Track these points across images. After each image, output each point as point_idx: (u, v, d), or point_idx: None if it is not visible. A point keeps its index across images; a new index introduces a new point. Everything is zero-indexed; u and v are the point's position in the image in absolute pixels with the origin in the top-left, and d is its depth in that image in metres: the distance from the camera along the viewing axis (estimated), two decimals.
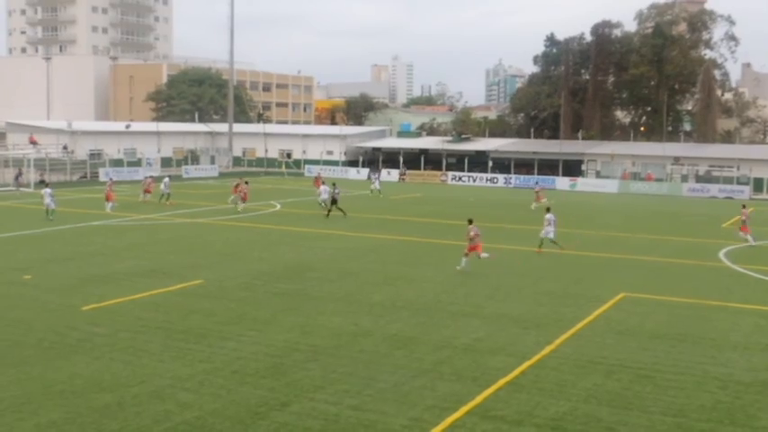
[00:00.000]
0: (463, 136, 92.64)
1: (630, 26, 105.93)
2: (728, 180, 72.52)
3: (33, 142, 73.72)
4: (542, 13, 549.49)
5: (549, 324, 20.43)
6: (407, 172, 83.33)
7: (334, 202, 44.81)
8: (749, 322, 21.41)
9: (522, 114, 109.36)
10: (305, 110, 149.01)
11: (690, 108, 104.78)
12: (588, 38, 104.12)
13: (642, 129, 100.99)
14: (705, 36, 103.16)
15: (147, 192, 51.20)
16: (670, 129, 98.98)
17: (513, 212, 48.86)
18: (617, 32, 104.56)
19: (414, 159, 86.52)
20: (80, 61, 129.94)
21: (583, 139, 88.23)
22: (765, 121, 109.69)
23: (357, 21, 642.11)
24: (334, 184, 46.92)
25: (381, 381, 15.54)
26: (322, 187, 48.85)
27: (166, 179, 51.62)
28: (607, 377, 16.14)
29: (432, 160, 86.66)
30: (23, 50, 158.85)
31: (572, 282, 26.64)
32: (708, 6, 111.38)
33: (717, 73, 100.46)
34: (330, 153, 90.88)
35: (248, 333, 18.95)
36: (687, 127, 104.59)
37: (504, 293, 24.44)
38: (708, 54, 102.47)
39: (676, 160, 76.09)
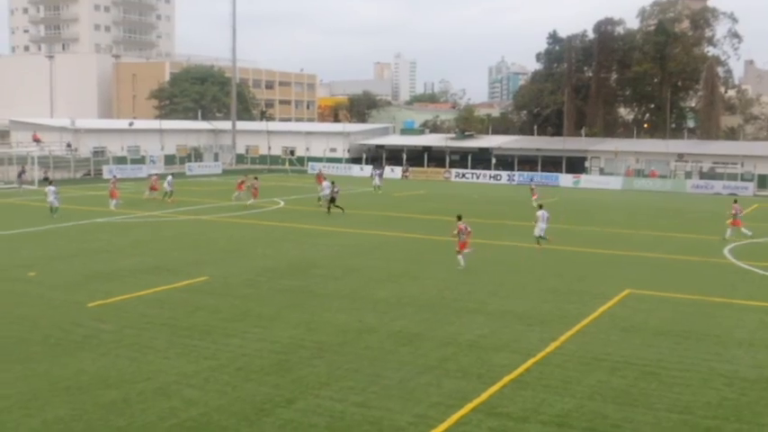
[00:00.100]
0: (466, 133, 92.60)
1: (633, 23, 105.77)
2: (732, 177, 72.44)
3: (37, 140, 73.82)
4: (545, 11, 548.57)
5: (553, 321, 20.43)
6: (411, 169, 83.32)
7: (332, 200, 44.89)
8: (754, 319, 21.38)
9: (525, 111, 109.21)
10: (308, 107, 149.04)
11: (693, 105, 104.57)
12: (591, 35, 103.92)
13: (645, 126, 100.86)
14: (708, 33, 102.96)
15: (152, 189, 51.29)
16: (673, 126, 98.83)
17: (516, 209, 48.81)
18: (620, 30, 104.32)
19: (417, 156, 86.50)
20: (83, 59, 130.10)
21: (586, 136, 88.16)
22: None
23: (360, 18, 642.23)
24: (332, 183, 46.96)
25: (386, 377, 15.55)
26: (324, 183, 48.89)
27: (169, 177, 51.70)
28: (612, 374, 16.13)
29: (435, 157, 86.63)
30: (26, 49, 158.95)
31: (576, 278, 26.63)
32: (710, 4, 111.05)
33: (720, 70, 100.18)
34: (333, 150, 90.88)
35: (253, 330, 18.97)
36: (690, 124, 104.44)
37: (508, 290, 24.44)
38: (711, 51, 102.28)
39: (680, 157, 76.00)
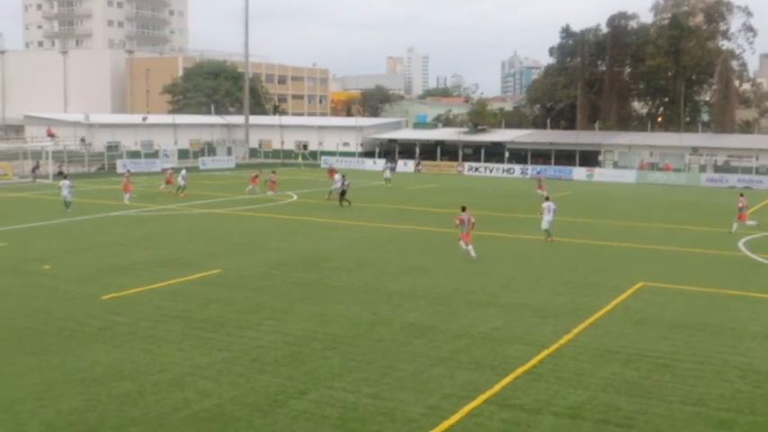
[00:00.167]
0: (479, 127, 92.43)
1: (647, 17, 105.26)
2: (747, 170, 72.07)
3: (51, 135, 74.15)
4: (558, 5, 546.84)
5: (567, 313, 20.39)
6: (423, 162, 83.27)
7: (343, 193, 45.01)
8: None
9: (538, 105, 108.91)
10: (321, 102, 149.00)
11: (707, 99, 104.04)
12: (604, 29, 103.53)
13: (659, 119, 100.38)
14: (722, 27, 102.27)
15: (168, 183, 51.48)
16: (688, 119, 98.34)
17: (529, 203, 48.59)
18: (633, 24, 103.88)
19: (430, 150, 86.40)
20: (96, 55, 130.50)
21: (599, 129, 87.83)
22: None
23: (373, 13, 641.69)
24: (343, 176, 47.04)
25: (399, 369, 15.57)
26: (336, 176, 48.91)
27: (183, 171, 51.84)
28: (625, 366, 16.09)
29: (448, 151, 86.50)
30: (40, 44, 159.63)
31: (590, 271, 26.57)
32: None
33: (734, 63, 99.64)
34: (346, 144, 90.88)
35: (267, 322, 19.02)
36: (705, 117, 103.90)
37: (521, 283, 24.40)
38: (725, 45, 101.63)
39: (695, 150, 75.64)
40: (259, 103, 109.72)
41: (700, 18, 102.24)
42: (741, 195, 38.52)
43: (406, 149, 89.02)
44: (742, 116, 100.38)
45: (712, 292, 23.48)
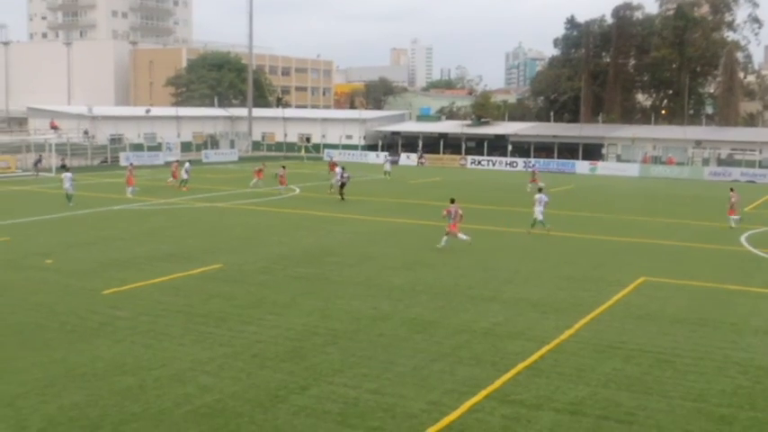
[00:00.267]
0: (483, 120, 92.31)
1: (652, 8, 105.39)
2: (751, 164, 71.90)
3: (54, 127, 74.23)
4: None
5: (568, 308, 20.39)
6: (426, 156, 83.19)
7: (342, 185, 44.90)
8: None
9: (541, 98, 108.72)
10: (324, 94, 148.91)
11: (712, 91, 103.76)
12: (609, 20, 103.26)
13: (663, 112, 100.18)
14: (728, 18, 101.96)
15: (174, 176, 51.41)
16: (692, 112, 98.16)
17: (531, 196, 48.59)
18: (638, 15, 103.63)
19: (433, 143, 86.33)
20: (100, 46, 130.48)
21: (603, 122, 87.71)
22: None
23: (376, 4, 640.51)
24: (343, 168, 46.97)
25: (400, 364, 15.59)
26: (337, 169, 48.79)
27: (187, 164, 51.81)
28: (626, 362, 16.10)
29: (451, 144, 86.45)
30: (44, 36, 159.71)
31: (592, 266, 26.56)
32: None
33: (739, 55, 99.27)
34: (349, 137, 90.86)
35: (268, 317, 19.04)
36: (709, 110, 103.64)
37: (523, 278, 24.40)
38: (730, 36, 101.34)
39: (698, 144, 75.50)
40: (262, 95, 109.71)
41: (705, 9, 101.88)
42: (732, 190, 38.48)
43: (410, 142, 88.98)
44: (746, 109, 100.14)
45: (714, 288, 23.46)
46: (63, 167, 51.29)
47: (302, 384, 14.42)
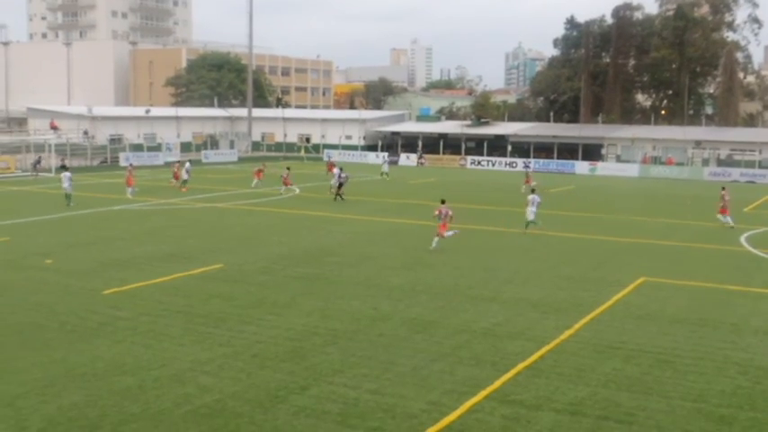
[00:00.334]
0: (482, 120, 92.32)
1: (652, 8, 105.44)
2: (750, 164, 71.87)
3: (54, 127, 74.22)
4: None
5: (568, 309, 20.39)
6: (426, 156, 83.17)
7: (339, 186, 44.83)
8: None
9: (541, 98, 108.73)
10: (324, 94, 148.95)
11: (711, 91, 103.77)
12: (609, 20, 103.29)
13: (663, 112, 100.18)
14: (728, 18, 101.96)
15: (176, 177, 51.31)
16: (691, 112, 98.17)
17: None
18: (638, 15, 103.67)
19: (433, 144, 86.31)
20: (100, 47, 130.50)
21: (603, 122, 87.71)
22: None
23: (376, 4, 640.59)
24: (341, 169, 46.94)
25: (400, 365, 15.58)
26: (335, 170, 48.71)
27: (187, 164, 51.78)
28: (626, 362, 16.10)
29: (451, 144, 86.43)
30: (44, 36, 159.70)
31: (592, 266, 26.56)
32: None
33: (739, 55, 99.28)
34: (349, 138, 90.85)
35: (268, 317, 19.04)
36: (709, 110, 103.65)
37: (522, 278, 24.40)
38: (730, 36, 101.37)
39: (698, 144, 75.49)
40: (262, 96, 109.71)
41: (705, 9, 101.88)
42: (723, 189, 38.65)
43: (409, 143, 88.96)
44: (746, 109, 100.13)
45: (714, 288, 23.46)
46: (63, 168, 51.24)
47: (302, 384, 14.41)
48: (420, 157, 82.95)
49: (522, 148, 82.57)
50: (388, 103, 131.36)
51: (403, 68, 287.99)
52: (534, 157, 79.54)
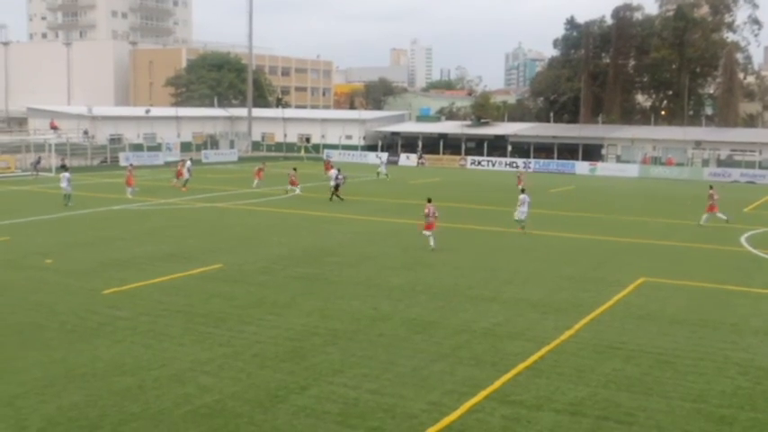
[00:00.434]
0: (482, 120, 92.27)
1: (652, 9, 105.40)
2: (750, 164, 71.85)
3: (54, 127, 74.18)
4: None
5: (568, 309, 20.38)
6: (426, 156, 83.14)
7: (336, 187, 44.74)
8: None
9: (541, 98, 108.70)
10: (324, 94, 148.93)
11: (711, 92, 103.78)
12: (609, 21, 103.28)
13: (663, 113, 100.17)
14: (728, 19, 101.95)
15: (179, 176, 51.27)
16: (691, 113, 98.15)
17: (531, 197, 48.61)
18: (638, 15, 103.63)
19: (433, 144, 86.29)
20: (100, 47, 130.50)
21: (603, 123, 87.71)
22: None
23: (376, 4, 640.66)
24: (339, 170, 46.89)
25: (400, 365, 15.57)
26: (332, 171, 48.55)
27: (188, 163, 51.77)
28: (626, 362, 16.09)
29: (451, 145, 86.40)
30: (44, 36, 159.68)
31: (592, 266, 26.56)
32: None
33: (739, 56, 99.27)
34: (349, 138, 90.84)
35: (268, 317, 19.03)
36: (709, 111, 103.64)
37: (523, 278, 24.39)
38: (730, 37, 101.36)
39: (698, 144, 75.48)
40: (262, 96, 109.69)
41: (705, 9, 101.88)
42: (711, 188, 38.94)
43: (409, 143, 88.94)
44: (746, 109, 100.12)
45: (714, 288, 23.45)
46: (62, 167, 51.24)
47: (302, 384, 14.41)
48: (420, 158, 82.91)
49: (522, 149, 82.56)
50: (388, 104, 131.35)
51: (403, 69, 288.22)
52: (534, 158, 79.55)
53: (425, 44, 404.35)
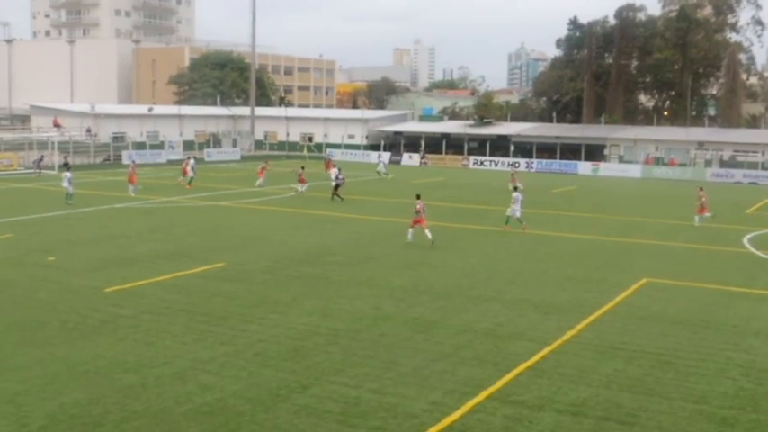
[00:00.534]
0: (485, 120, 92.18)
1: (655, 9, 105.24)
2: (753, 165, 71.75)
3: (57, 125, 74.20)
4: None
5: (570, 309, 20.37)
6: (428, 156, 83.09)
7: (336, 186, 44.69)
8: None
9: (544, 98, 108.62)
10: (326, 93, 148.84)
11: (714, 92, 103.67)
12: (612, 21, 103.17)
13: (666, 113, 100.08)
14: (731, 19, 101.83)
15: (185, 174, 51.20)
16: (694, 113, 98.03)
17: (533, 197, 48.55)
18: (641, 16, 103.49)
19: (435, 144, 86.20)
20: (103, 45, 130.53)
21: (605, 123, 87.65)
22: None
23: (379, 4, 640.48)
24: (339, 169, 46.85)
25: (402, 364, 15.57)
26: (332, 170, 48.50)
27: (192, 161, 51.77)
28: (628, 363, 16.08)
29: (453, 144, 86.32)
30: (47, 34, 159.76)
31: (594, 267, 26.54)
32: None
33: (742, 57, 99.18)
34: (352, 137, 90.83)
35: (270, 316, 19.04)
36: (711, 111, 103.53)
37: (525, 278, 24.38)
38: (733, 38, 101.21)
39: (700, 145, 75.41)
40: (265, 95, 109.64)
41: (708, 10, 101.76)
42: (701, 189, 39.40)
43: (412, 142, 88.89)
44: (749, 110, 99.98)
45: (716, 289, 23.43)
46: (65, 166, 51.25)
47: (303, 383, 14.41)
48: (423, 157, 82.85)
49: (525, 149, 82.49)
50: (391, 103, 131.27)
51: (406, 68, 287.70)
52: (537, 158, 79.51)
53: (428, 44, 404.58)
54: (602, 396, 14.17)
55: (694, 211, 38.34)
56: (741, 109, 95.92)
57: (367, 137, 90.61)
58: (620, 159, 78.54)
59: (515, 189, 36.10)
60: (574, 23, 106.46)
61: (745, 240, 33.17)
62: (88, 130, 75.74)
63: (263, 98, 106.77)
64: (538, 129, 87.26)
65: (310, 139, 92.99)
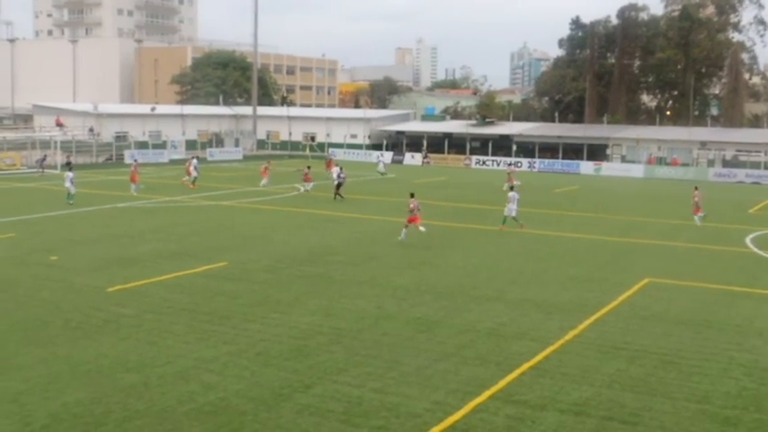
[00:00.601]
0: (487, 120, 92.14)
1: (657, 9, 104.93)
2: (756, 165, 71.66)
3: (60, 124, 74.24)
4: None
5: (572, 309, 20.36)
6: (430, 155, 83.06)
7: (338, 186, 44.69)
8: None
9: (546, 98, 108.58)
10: (329, 93, 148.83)
11: (717, 92, 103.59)
12: (614, 21, 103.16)
13: (668, 113, 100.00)
14: (733, 19, 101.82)
15: (189, 173, 51.16)
16: (696, 113, 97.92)
17: (536, 197, 48.52)
18: (643, 15, 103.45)
19: (438, 143, 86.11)
20: (106, 44, 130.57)
21: (608, 123, 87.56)
22: None
23: (381, 3, 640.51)
24: (341, 168, 46.84)
25: (404, 364, 15.57)
26: (334, 169, 48.44)
27: (195, 161, 51.76)
28: (631, 363, 16.07)
29: (455, 144, 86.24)
30: (50, 33, 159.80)
31: (596, 267, 26.52)
32: None
33: (745, 56, 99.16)
34: (354, 136, 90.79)
35: (272, 315, 19.05)
36: (714, 111, 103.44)
37: (527, 278, 24.37)
38: (736, 37, 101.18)
39: (703, 145, 75.32)
40: (267, 94, 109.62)
41: (710, 10, 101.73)
42: (696, 189, 39.54)
43: (414, 142, 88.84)
44: (751, 110, 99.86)
45: (719, 289, 23.41)
46: (67, 165, 51.27)
47: (306, 383, 14.41)
48: (425, 157, 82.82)
49: (527, 148, 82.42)
50: (393, 103, 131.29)
51: (408, 68, 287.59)
52: (539, 157, 79.45)
53: (430, 43, 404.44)
54: (604, 396, 14.17)
55: (690, 212, 38.29)
56: (744, 109, 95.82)
57: (369, 136, 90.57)
58: (623, 159, 78.46)
59: (511, 188, 36.19)
60: (576, 23, 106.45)
61: (747, 240, 33.14)
62: (91, 130, 75.79)
63: (266, 98, 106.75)
64: (540, 128, 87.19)
65: (313, 138, 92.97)
